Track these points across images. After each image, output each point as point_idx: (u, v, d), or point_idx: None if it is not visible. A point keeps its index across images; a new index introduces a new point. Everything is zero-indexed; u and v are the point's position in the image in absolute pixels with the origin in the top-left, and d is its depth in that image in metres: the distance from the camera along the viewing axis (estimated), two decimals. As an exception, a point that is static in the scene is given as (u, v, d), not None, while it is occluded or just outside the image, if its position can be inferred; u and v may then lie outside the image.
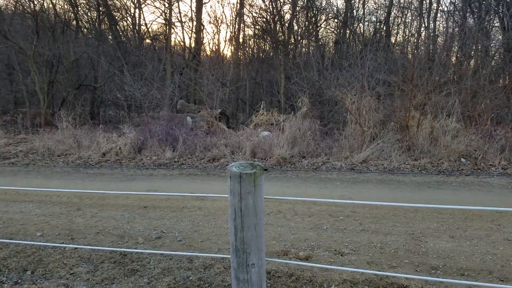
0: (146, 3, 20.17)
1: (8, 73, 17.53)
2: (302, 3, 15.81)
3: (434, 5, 14.93)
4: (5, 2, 16.77)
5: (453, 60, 12.44)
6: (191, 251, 3.69)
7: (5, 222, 4.69)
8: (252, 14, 19.03)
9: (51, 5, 15.92)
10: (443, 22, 15.26)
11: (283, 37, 15.62)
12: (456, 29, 13.51)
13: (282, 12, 15.99)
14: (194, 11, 17.11)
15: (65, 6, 16.79)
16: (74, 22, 17.30)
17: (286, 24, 15.75)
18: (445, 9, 15.76)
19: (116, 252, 3.64)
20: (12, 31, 14.89)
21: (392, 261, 3.36)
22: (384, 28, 15.50)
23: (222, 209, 5.06)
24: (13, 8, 16.41)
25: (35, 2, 15.28)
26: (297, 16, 15.97)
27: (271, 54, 17.41)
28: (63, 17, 16.60)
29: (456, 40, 12.48)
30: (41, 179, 7.37)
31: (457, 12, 14.44)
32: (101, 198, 5.67)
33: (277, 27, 15.87)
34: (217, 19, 26.12)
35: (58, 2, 16.36)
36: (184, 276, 3.12)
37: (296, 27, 16.14)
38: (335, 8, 18.02)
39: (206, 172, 7.79)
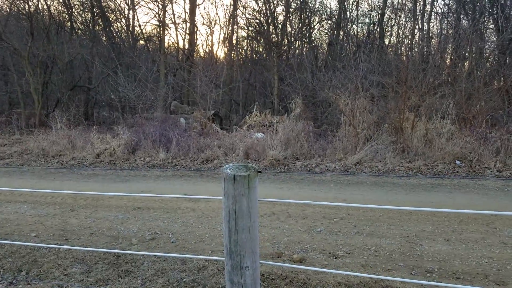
0: (140, 5, 20.14)
1: (3, 74, 17.41)
2: (295, 4, 15.86)
3: (428, 6, 15.06)
4: (0, 3, 16.65)
5: (447, 62, 12.53)
6: (185, 253, 3.68)
7: (0, 222, 4.65)
8: (245, 15, 19.12)
9: (45, 7, 15.85)
10: (437, 24, 15.40)
11: (276, 39, 15.65)
12: (450, 30, 13.62)
13: (275, 14, 16.05)
14: (188, 13, 17.11)
15: (60, 8, 16.72)
16: (69, 24, 17.21)
17: (280, 26, 15.78)
18: (439, 11, 15.87)
19: (110, 253, 3.62)
20: (7, 32, 14.79)
21: (387, 264, 3.37)
22: (378, 29, 15.59)
23: (216, 210, 5.04)
24: (8, 10, 16.30)
25: (30, 4, 15.18)
26: (291, 18, 16.02)
27: (264, 55, 17.43)
28: (57, 18, 16.51)
29: (450, 42, 12.57)
30: (36, 179, 7.32)
31: (451, 14, 14.56)
32: (95, 199, 5.63)
33: (271, 29, 15.90)
34: (211, 20, 26.19)
35: (53, 3, 16.25)
36: (178, 277, 3.10)
37: (289, 29, 16.19)
38: (329, 10, 18.15)
39: (199, 174, 7.76)
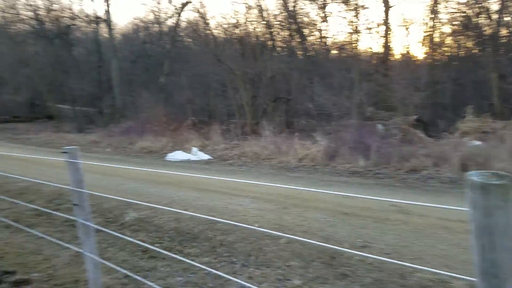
0: (333, 15, 20.77)
1: (222, 90, 21.21)
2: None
3: None
4: (218, 31, 20.38)
5: None
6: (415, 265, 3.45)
7: (231, 212, 5.53)
8: (448, 10, 16.94)
9: (252, 29, 18.44)
10: None
11: (490, 31, 13.17)
12: None
13: (486, 3, 13.54)
14: (382, 16, 16.50)
15: (262, 29, 19.08)
16: (270, 42, 19.41)
17: (494, 16, 13.20)
18: None
19: (325, 253, 3.77)
20: (224, 55, 17.94)
21: None
22: None
23: (433, 227, 4.54)
24: (224, 36, 19.82)
25: (240, 29, 17.99)
26: (507, 5, 13.16)
27: (476, 51, 14.99)
28: (261, 39, 18.91)
29: None
30: (252, 179, 8.31)
31: None
32: (304, 200, 5.95)
33: (482, 21, 13.52)
34: (407, 20, 24.42)
35: (258, 26, 18.75)
36: (399, 292, 2.94)
37: (508, 18, 13.31)
38: None
39: (405, 184, 7.23)
